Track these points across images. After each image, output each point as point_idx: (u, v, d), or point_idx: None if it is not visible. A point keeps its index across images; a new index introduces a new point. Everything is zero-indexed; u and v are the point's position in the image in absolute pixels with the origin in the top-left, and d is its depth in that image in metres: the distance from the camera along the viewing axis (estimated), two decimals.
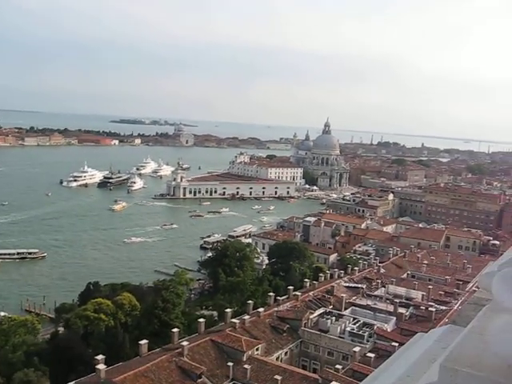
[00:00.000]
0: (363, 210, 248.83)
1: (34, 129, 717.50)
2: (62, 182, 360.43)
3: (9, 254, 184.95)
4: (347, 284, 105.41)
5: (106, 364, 57.11)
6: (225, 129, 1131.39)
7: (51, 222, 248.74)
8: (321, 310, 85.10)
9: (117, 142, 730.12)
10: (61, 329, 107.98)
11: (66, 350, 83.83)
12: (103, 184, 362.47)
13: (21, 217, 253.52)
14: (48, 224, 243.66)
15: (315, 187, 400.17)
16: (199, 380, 58.56)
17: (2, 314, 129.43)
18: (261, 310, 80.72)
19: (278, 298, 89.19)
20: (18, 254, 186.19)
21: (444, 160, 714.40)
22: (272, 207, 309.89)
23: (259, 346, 67.76)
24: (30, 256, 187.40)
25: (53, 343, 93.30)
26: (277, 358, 71.11)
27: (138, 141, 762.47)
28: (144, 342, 64.31)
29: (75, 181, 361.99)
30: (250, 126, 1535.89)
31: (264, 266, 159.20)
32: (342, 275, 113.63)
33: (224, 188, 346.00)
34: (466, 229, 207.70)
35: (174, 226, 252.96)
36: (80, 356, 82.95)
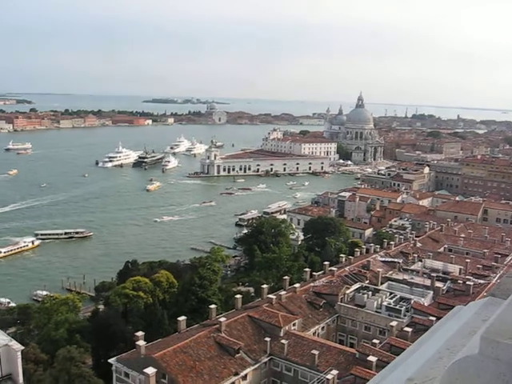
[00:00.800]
0: (398, 184, 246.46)
1: (69, 111, 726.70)
2: (97, 163, 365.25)
3: (57, 234, 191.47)
4: (383, 259, 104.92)
5: (145, 340, 58.28)
6: (257, 106, 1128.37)
7: (89, 202, 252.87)
8: (357, 285, 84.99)
9: (150, 121, 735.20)
10: (101, 307, 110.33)
11: (106, 327, 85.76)
12: (138, 164, 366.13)
13: (59, 198, 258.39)
14: (86, 205, 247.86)
15: (349, 162, 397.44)
16: (237, 355, 59.34)
17: (45, 293, 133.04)
18: (297, 285, 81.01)
19: (314, 273, 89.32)
20: (66, 233, 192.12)
21: (481, 132, 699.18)
22: (306, 183, 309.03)
23: (296, 321, 68.18)
24: (76, 236, 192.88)
25: (94, 321, 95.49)
26: (314, 333, 71.51)
27: (171, 120, 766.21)
28: (182, 318, 65.33)
29: (110, 161, 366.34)
30: (282, 102, 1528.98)
31: (299, 242, 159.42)
32: (378, 250, 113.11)
33: (258, 165, 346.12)
34: (504, 201, 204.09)
35: (213, 203, 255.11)
36: (120, 333, 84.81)
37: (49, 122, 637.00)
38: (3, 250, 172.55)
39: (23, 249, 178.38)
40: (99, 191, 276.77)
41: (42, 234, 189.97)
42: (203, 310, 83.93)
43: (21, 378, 66.94)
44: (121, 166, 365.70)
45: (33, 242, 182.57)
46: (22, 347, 68.42)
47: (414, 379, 3.80)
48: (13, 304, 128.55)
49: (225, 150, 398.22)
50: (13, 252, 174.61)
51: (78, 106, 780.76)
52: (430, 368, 3.90)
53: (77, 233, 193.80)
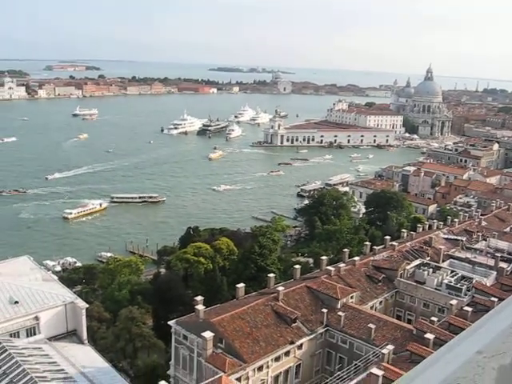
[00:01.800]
0: (465, 160, 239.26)
1: (136, 78, 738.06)
2: (162, 130, 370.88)
3: (131, 198, 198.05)
4: (446, 236, 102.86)
5: (204, 305, 59.52)
6: (323, 76, 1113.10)
7: (152, 168, 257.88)
8: (418, 261, 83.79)
9: (215, 90, 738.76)
10: (162, 270, 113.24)
11: (167, 291, 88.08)
12: (202, 132, 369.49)
13: (125, 163, 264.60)
14: (149, 171, 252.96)
15: (415, 136, 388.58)
16: (294, 324, 59.94)
17: (109, 254, 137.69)
18: (356, 258, 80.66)
19: (375, 247, 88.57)
20: (140, 198, 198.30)
21: None
22: (370, 156, 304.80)
23: (354, 294, 68.07)
24: (150, 200, 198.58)
25: (155, 283, 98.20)
26: (371, 307, 71.27)
27: (236, 89, 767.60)
28: (241, 285, 66.27)
29: (175, 128, 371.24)
30: (348, 72, 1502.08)
31: (361, 215, 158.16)
32: (441, 227, 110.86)
33: (321, 136, 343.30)
34: None
35: (281, 172, 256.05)
36: (180, 296, 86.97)
37: (116, 89, 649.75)
38: (74, 211, 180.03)
39: (92, 211, 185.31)
40: (163, 158, 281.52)
41: (117, 198, 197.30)
42: (262, 278, 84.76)
43: (85, 335, 69.89)
44: (185, 133, 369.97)
45: (101, 205, 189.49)
46: (87, 305, 71.29)
47: (484, 352, 3.76)
48: (79, 264, 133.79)
49: (289, 120, 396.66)
50: (82, 214, 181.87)
51: (144, 73, 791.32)
52: (501, 342, 3.84)
53: (150, 197, 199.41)
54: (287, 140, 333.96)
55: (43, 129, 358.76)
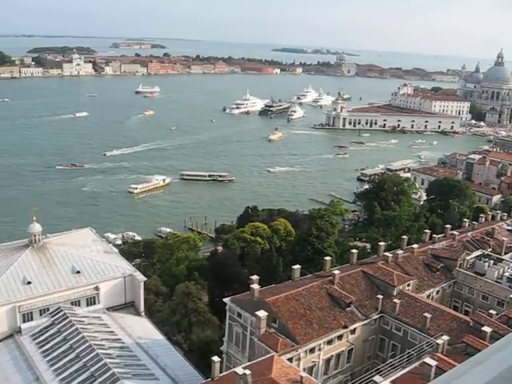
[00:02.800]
0: None
1: (200, 57, 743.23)
2: (225, 109, 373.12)
3: (201, 176, 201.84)
4: (510, 227, 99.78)
5: (259, 284, 60.02)
6: (388, 58, 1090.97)
7: (213, 147, 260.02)
8: (478, 252, 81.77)
9: (278, 70, 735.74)
10: (220, 248, 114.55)
11: (223, 268, 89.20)
12: (264, 112, 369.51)
13: (186, 141, 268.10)
14: (210, 149, 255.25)
15: (482, 123, 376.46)
16: (348, 309, 59.73)
17: (168, 230, 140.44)
18: (415, 246, 79.40)
19: (434, 235, 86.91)
20: (210, 176, 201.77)
21: None
22: (434, 142, 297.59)
23: (411, 281, 67.13)
24: (219, 179, 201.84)
25: (212, 260, 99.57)
26: (428, 296, 70.17)
27: (299, 70, 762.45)
28: (297, 266, 66.41)
29: (237, 108, 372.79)
30: (415, 55, 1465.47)
31: (421, 202, 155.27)
32: (505, 218, 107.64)
33: (384, 120, 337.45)
34: None
35: (347, 155, 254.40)
36: (236, 275, 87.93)
37: (180, 67, 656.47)
38: (139, 186, 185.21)
39: (155, 186, 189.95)
40: (224, 137, 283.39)
41: (186, 175, 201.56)
42: (318, 261, 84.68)
43: (142, 307, 71.83)
44: (247, 113, 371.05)
45: (164, 181, 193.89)
46: (145, 278, 73.16)
47: None
48: (138, 238, 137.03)
49: (352, 102, 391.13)
50: (147, 189, 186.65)
51: (208, 52, 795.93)
52: None
53: (219, 176, 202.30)
54: (349, 123, 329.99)
55: (110, 105, 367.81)
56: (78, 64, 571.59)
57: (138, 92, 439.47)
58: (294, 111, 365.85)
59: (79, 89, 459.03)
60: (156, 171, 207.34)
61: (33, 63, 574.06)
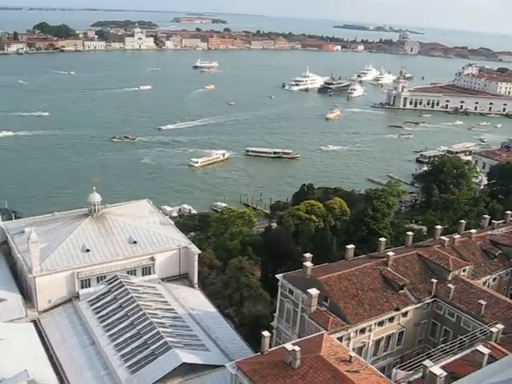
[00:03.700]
0: None
1: (260, 33, 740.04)
2: (284, 86, 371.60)
3: (266, 153, 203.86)
4: None
5: (312, 262, 59.99)
6: (453, 37, 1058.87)
7: (273, 124, 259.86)
8: None
9: (339, 47, 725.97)
10: (274, 224, 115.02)
11: (277, 244, 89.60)
12: (323, 89, 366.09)
13: (245, 116, 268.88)
14: (269, 126, 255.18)
15: None
16: (401, 291, 59.06)
17: (224, 204, 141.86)
18: (473, 231, 77.45)
19: (494, 221, 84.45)
20: (274, 153, 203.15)
21: None
22: (499, 125, 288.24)
23: (467, 267, 65.72)
24: (284, 156, 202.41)
25: (266, 236, 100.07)
26: (484, 283, 68.54)
27: (360, 47, 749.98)
28: (351, 246, 65.98)
29: (297, 85, 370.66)
30: (481, 34, 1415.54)
31: (482, 187, 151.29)
32: None
33: (447, 101, 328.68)
34: None
35: (411, 136, 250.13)
36: (289, 252, 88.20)
37: (240, 43, 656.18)
38: (200, 160, 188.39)
39: (215, 160, 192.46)
40: (282, 114, 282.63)
41: (251, 151, 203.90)
42: (372, 241, 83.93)
43: (195, 279, 73.01)
44: (306, 90, 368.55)
45: (223, 155, 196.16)
46: (200, 251, 74.23)
47: None
48: (194, 211, 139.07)
49: (413, 82, 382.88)
50: (206, 163, 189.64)
51: (269, 27, 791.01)
52: None
53: (284, 153, 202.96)
54: (410, 103, 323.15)
55: (172, 79, 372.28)
56: (140, 38, 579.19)
57: (196, 67, 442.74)
58: (354, 89, 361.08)
59: (141, 62, 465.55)
60: (214, 146, 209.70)
61: (96, 37, 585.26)
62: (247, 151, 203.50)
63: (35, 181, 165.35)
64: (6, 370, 50.87)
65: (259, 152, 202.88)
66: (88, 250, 66.69)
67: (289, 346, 44.01)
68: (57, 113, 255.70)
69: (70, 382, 53.43)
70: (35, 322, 62.50)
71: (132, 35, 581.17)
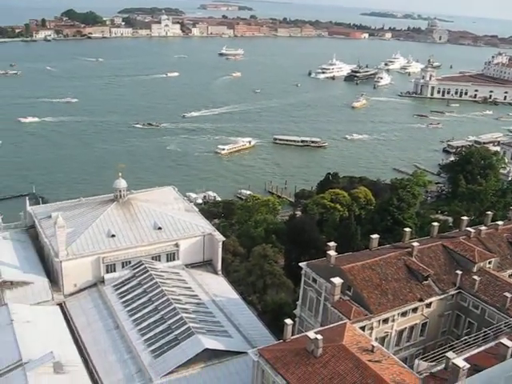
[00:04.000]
0: None
1: (287, 20, 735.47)
2: (310, 74, 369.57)
3: (293, 141, 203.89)
4: None
5: (336, 251, 59.86)
6: (483, 25, 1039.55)
7: (298, 112, 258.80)
8: None
9: (366, 35, 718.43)
10: (298, 213, 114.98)
11: (301, 233, 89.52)
12: (350, 78, 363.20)
13: (271, 104, 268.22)
14: (295, 114, 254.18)
15: None
16: (425, 282, 58.62)
17: (248, 192, 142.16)
18: (500, 222, 76.27)
19: None
20: (302, 141, 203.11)
21: None
22: None
23: (492, 259, 64.92)
24: (312, 144, 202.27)
25: (290, 224, 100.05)
26: (510, 276, 67.71)
27: (388, 35, 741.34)
28: (375, 236, 65.61)
29: (323, 73, 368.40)
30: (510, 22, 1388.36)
31: (510, 178, 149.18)
32: None
33: (476, 90, 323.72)
34: None
35: (440, 125, 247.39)
36: (313, 240, 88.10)
37: (267, 30, 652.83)
38: (226, 147, 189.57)
39: (241, 148, 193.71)
40: (308, 102, 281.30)
41: (279, 140, 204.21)
42: (397, 231, 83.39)
43: (219, 266, 73.42)
44: (333, 78, 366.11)
45: (250, 143, 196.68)
46: (224, 238, 74.58)
47: None
48: (219, 198, 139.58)
49: (442, 71, 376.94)
50: (233, 150, 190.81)
51: (295, 15, 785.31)
52: None
53: (312, 142, 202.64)
54: (438, 92, 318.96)
55: (199, 66, 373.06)
56: (167, 25, 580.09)
57: (221, 54, 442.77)
58: (381, 78, 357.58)
59: (167, 49, 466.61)
60: (239, 134, 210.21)
61: (123, 24, 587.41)
62: (275, 139, 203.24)
63: (62, 166, 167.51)
64: (33, 352, 51.99)
65: (287, 140, 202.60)
66: (113, 236, 67.45)
67: (311, 334, 44.11)
68: (85, 99, 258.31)
69: (95, 365, 54.36)
70: (61, 306, 63.59)
71: (159, 22, 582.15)
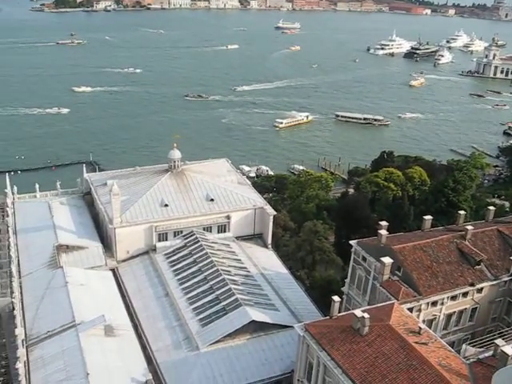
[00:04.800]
0: None
1: None
2: (368, 49, 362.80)
3: (356, 118, 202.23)
4: None
5: (387, 231, 59.22)
6: None
7: (355, 88, 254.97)
8: None
9: (429, 11, 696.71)
10: (351, 190, 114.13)
11: (352, 210, 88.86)
12: (409, 55, 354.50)
13: (327, 80, 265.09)
14: (351, 90, 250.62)
15: None
16: (477, 267, 57.44)
17: (301, 167, 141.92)
18: None
19: None
20: (365, 119, 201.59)
21: None
22: None
23: None
24: (374, 122, 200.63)
25: (342, 202, 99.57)
26: None
27: (451, 11, 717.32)
28: (428, 217, 64.46)
29: (382, 49, 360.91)
30: None
31: None
32: None
33: None
34: None
35: (506, 107, 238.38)
36: (365, 218, 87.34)
37: (326, 4, 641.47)
38: (284, 121, 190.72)
39: (299, 122, 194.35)
40: (366, 78, 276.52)
41: (342, 116, 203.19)
42: (451, 214, 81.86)
43: (269, 240, 73.80)
44: (392, 54, 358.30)
45: (307, 117, 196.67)
46: (275, 212, 74.81)
47: None
48: (271, 172, 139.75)
49: (506, 50, 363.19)
50: (290, 124, 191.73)
51: None
52: None
53: (375, 120, 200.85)
54: (501, 72, 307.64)
55: (258, 39, 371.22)
56: None
57: (277, 27, 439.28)
58: (442, 56, 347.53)
59: (225, 22, 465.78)
60: (295, 109, 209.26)
61: None
62: (337, 116, 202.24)
63: (118, 136, 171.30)
64: (85, 314, 53.90)
65: (349, 117, 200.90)
66: (166, 205, 68.60)
67: (358, 312, 44.08)
68: (148, 70, 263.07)
69: (144, 330, 55.90)
70: (113, 271, 65.43)
71: None
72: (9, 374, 61.82)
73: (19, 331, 50.62)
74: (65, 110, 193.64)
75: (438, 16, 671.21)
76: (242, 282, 60.43)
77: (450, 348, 44.16)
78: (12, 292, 58.47)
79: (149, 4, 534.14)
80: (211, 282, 59.07)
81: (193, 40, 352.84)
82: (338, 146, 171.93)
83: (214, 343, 52.15)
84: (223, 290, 57.42)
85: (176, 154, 72.94)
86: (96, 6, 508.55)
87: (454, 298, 54.94)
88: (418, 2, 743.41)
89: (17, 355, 48.49)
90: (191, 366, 50.48)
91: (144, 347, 53.37)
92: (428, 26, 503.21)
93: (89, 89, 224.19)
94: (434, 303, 53.81)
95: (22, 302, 57.26)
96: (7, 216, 71.57)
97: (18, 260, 64.13)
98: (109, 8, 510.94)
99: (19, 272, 62.21)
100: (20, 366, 47.13)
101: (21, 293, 58.62)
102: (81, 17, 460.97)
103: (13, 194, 76.76)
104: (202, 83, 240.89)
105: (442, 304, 54.52)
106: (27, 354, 50.06)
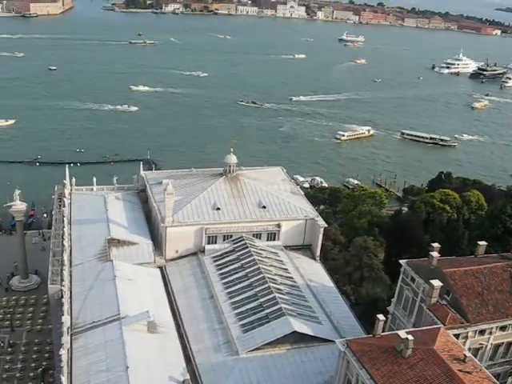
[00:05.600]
0: None
1: (415, 10, 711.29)
2: (433, 67, 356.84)
3: (422, 137, 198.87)
4: None
5: (439, 253, 58.02)
6: None
7: (416, 106, 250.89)
8: None
9: (499, 31, 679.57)
10: (405, 209, 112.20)
11: (405, 230, 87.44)
12: (475, 75, 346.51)
13: (390, 95, 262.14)
14: (412, 107, 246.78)
15: None
16: None
17: (356, 182, 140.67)
18: None
19: None
20: (431, 139, 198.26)
21: None
22: None
23: None
24: (441, 143, 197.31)
25: (395, 220, 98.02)
26: None
27: None
28: (483, 243, 62.75)
29: (448, 68, 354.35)
30: None
31: None
32: None
33: None
34: None
35: None
36: (417, 239, 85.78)
37: (393, 19, 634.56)
38: (346, 134, 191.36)
39: (360, 136, 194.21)
40: (429, 97, 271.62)
41: (407, 134, 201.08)
42: (507, 241, 79.64)
43: (318, 251, 73.46)
44: (457, 74, 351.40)
45: (368, 131, 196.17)
46: (326, 225, 74.41)
47: None
48: (325, 184, 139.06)
49: None
50: (352, 137, 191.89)
51: (424, 5, 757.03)
52: None
53: (441, 140, 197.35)
54: None
55: (324, 50, 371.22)
56: (292, 6, 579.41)
57: (341, 39, 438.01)
58: (509, 78, 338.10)
59: (291, 31, 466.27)
60: (355, 122, 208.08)
61: (249, 2, 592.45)
62: (402, 133, 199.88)
63: (176, 136, 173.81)
64: (130, 308, 54.85)
65: (415, 136, 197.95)
66: (218, 209, 69.22)
67: (402, 333, 43.31)
68: (212, 74, 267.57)
69: (186, 330, 56.45)
70: (161, 269, 66.43)
71: (285, 3, 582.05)
72: (52, 359, 63.52)
73: (65, 319, 51.98)
74: (134, 108, 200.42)
75: (509, 37, 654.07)
76: (287, 291, 60.30)
77: (494, 380, 42.89)
78: (62, 280, 60.02)
79: (216, 9, 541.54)
80: (256, 289, 59.18)
81: (258, 47, 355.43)
82: (397, 163, 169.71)
83: (253, 350, 52.20)
84: (268, 297, 57.43)
85: (232, 158, 73.66)
86: (165, 8, 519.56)
87: (503, 328, 53.36)
88: (488, 21, 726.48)
89: (61, 342, 49.69)
90: (229, 370, 50.65)
91: (184, 347, 53.89)
92: (497, 46, 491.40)
93: (146, 88, 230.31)
94: (482, 332, 52.35)
95: (71, 291, 58.85)
96: (64, 206, 73.67)
97: (71, 250, 65.99)
98: (177, 11, 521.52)
99: (70, 261, 63.98)
100: (63, 352, 48.28)
101: (70, 282, 60.31)
102: (150, 18, 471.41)
103: (71, 185, 79.31)
104: (262, 91, 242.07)
105: (491, 333, 52.99)
106: (71, 342, 51.34)
